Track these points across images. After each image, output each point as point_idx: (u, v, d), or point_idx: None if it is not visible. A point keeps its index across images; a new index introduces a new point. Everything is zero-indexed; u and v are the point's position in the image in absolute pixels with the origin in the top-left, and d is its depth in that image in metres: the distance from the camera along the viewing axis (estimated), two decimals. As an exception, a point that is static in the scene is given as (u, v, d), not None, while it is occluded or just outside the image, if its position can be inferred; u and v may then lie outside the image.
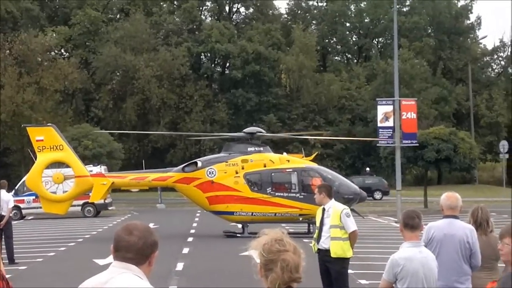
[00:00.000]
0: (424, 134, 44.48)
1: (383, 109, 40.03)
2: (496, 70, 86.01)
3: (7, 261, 21.78)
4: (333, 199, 13.51)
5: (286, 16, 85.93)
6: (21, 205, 42.32)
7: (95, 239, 30.28)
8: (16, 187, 43.29)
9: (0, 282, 5.63)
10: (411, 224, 7.63)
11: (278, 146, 55.53)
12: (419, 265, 7.61)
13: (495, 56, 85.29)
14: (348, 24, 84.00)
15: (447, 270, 9.19)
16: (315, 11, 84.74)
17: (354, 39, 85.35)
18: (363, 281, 17.90)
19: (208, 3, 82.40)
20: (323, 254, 13.33)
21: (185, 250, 25.57)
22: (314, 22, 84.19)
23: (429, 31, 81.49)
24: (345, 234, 13.01)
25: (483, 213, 9.79)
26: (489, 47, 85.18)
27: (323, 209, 13.37)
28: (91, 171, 35.98)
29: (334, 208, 13.26)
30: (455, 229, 9.27)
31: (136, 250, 4.29)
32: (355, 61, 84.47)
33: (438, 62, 78.49)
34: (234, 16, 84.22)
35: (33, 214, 42.92)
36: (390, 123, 39.50)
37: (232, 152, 31.90)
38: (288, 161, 32.07)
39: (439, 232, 9.34)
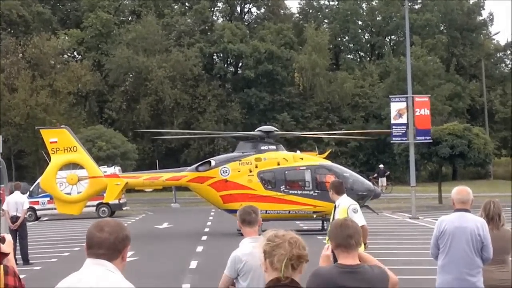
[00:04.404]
0: (438, 130, 44.25)
1: (396, 106, 39.93)
2: (510, 66, 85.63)
3: (22, 261, 21.90)
4: (344, 195, 13.53)
5: (297, 15, 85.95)
6: (36, 207, 42.40)
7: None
8: (31, 189, 43.45)
9: (11, 278, 5.67)
10: (248, 219, 7.56)
11: (292, 145, 55.45)
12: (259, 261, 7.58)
13: (508, 52, 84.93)
14: (360, 23, 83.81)
15: (458, 262, 9.18)
16: (327, 10, 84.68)
17: (366, 37, 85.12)
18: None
19: (220, 4, 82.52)
20: (336, 249, 13.34)
21: (199, 249, 25.63)
22: (326, 21, 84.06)
23: (441, 28, 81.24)
24: (354, 230, 12.98)
25: (495, 207, 9.78)
26: (502, 43, 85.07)
27: (335, 206, 13.48)
28: (105, 172, 36.09)
29: (342, 204, 13.33)
30: (466, 222, 9.25)
31: (108, 246, 4.37)
32: (368, 59, 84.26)
33: (451, 58, 78.33)
34: (245, 17, 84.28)
35: (48, 215, 43.05)
36: (403, 120, 39.37)
37: (246, 151, 31.92)
38: (302, 159, 32.07)
39: (450, 225, 9.32)
